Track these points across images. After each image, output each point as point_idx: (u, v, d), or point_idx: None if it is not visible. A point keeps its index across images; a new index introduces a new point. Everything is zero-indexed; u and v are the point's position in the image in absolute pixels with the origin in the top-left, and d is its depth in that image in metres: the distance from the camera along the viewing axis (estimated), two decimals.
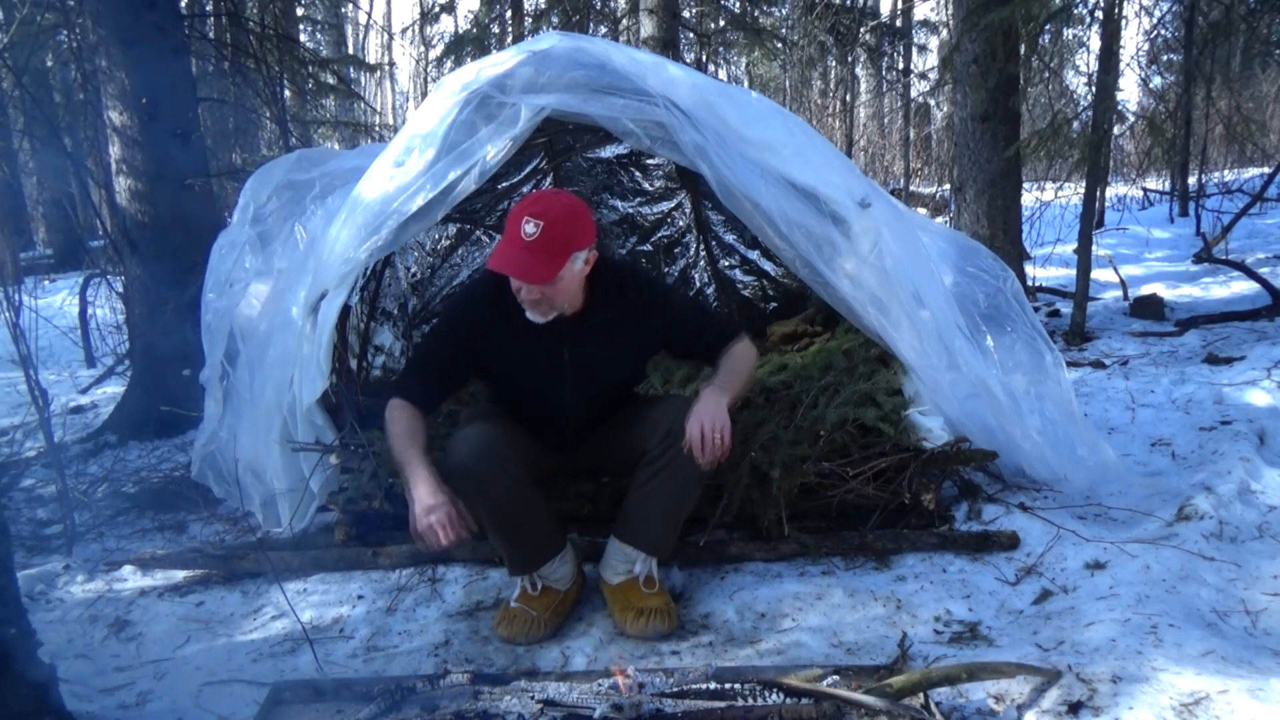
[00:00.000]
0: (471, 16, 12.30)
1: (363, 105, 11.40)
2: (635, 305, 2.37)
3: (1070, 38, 10.89)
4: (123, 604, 2.66)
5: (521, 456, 2.34)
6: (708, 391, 2.28)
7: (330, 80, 8.76)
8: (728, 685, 1.93)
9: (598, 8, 11.43)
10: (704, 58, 11.54)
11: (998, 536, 2.67)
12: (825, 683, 1.91)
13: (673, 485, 2.33)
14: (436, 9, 13.54)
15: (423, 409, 2.34)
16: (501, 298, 2.29)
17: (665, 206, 4.43)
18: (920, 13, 14.45)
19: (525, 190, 4.21)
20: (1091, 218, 5.33)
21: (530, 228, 2.10)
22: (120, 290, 4.94)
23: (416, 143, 2.62)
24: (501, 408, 2.54)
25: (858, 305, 2.74)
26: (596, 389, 2.45)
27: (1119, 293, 6.28)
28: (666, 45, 8.05)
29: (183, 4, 5.17)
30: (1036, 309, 5.76)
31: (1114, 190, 10.80)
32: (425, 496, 2.14)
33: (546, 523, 2.42)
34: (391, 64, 19.42)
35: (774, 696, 1.89)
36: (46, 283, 8.64)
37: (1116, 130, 7.02)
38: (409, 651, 2.34)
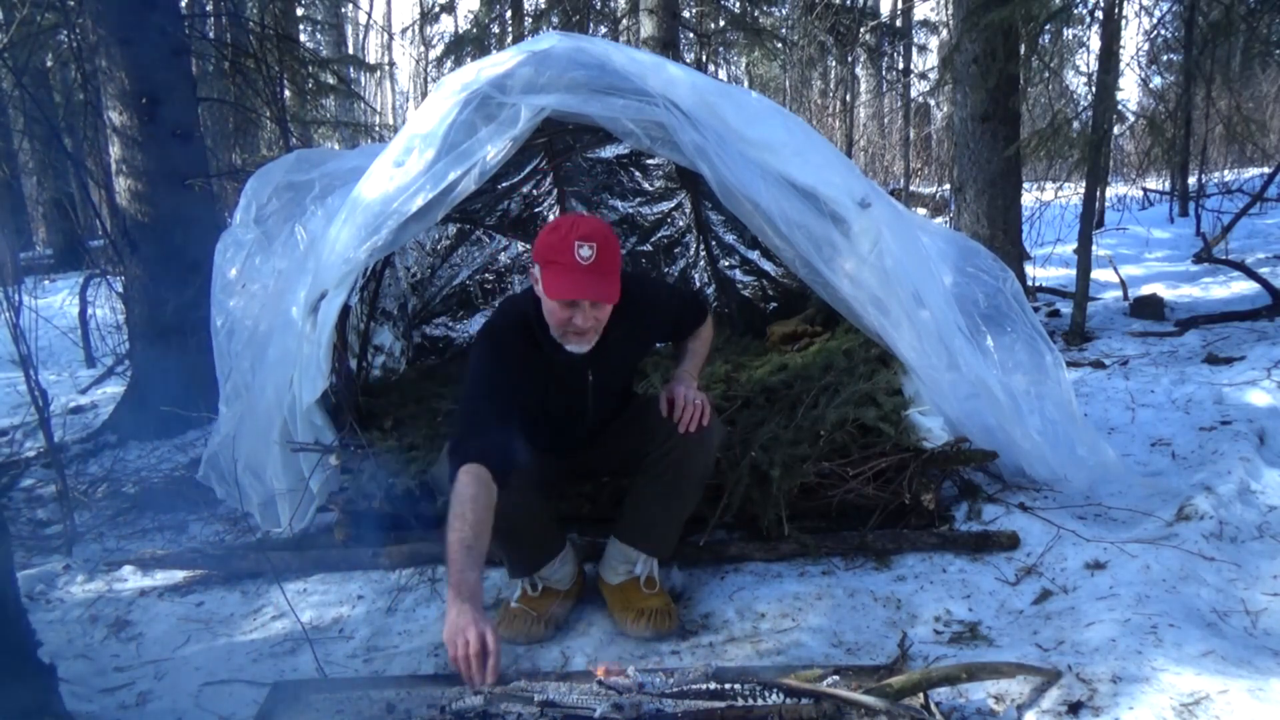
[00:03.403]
0: (471, 16, 12.32)
1: (363, 105, 11.41)
2: (639, 312, 2.34)
3: (1070, 38, 10.88)
4: (123, 604, 2.66)
5: (534, 460, 2.33)
6: (679, 367, 2.49)
7: (330, 80, 8.77)
8: (728, 685, 1.92)
9: (598, 8, 11.43)
10: (704, 58, 11.54)
11: (998, 536, 2.67)
12: (825, 683, 1.91)
13: (674, 486, 2.35)
14: (436, 9, 13.55)
15: (500, 475, 2.04)
16: (529, 333, 2.23)
17: (665, 206, 4.43)
18: (920, 13, 14.47)
19: (525, 190, 4.22)
20: (1091, 218, 5.33)
21: (587, 251, 2.03)
22: (120, 290, 4.94)
23: (416, 143, 2.62)
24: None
25: (858, 305, 2.74)
26: (614, 398, 2.50)
27: (1119, 293, 6.28)
28: (666, 45, 8.05)
29: (183, 4, 5.16)
30: (1036, 309, 5.76)
31: (1114, 190, 10.80)
32: (457, 623, 1.82)
33: (547, 526, 2.42)
34: (391, 64, 19.44)
35: (774, 696, 1.89)
36: (46, 283, 8.64)
37: (1116, 130, 7.01)
38: (409, 651, 2.34)
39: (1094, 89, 5.40)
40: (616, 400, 2.50)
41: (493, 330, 2.29)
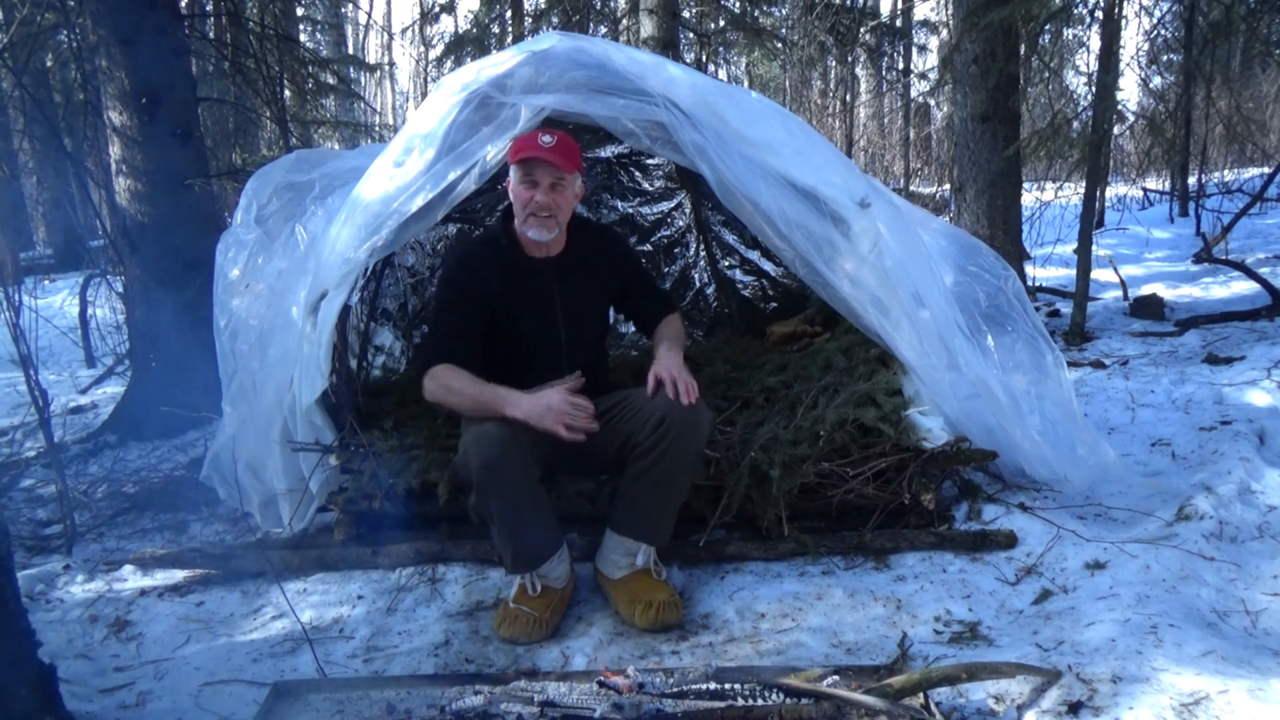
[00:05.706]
0: (471, 16, 12.29)
1: (363, 105, 11.42)
2: (606, 249, 2.70)
3: (1070, 38, 10.88)
4: (123, 604, 2.66)
5: (533, 450, 2.36)
6: (663, 350, 2.55)
7: (330, 80, 8.77)
8: (728, 685, 1.93)
9: (598, 8, 11.43)
10: (704, 58, 11.53)
11: (997, 536, 2.67)
12: (825, 683, 1.91)
13: (665, 474, 2.37)
14: (436, 9, 13.52)
15: (465, 365, 2.45)
16: (495, 245, 2.56)
17: (665, 206, 4.43)
18: (920, 13, 14.47)
19: None
20: (1091, 218, 5.33)
21: (547, 138, 2.40)
22: (120, 290, 4.93)
23: (416, 143, 2.62)
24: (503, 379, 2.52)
25: (858, 305, 2.74)
26: (580, 323, 2.64)
27: (1119, 293, 6.27)
28: (666, 45, 8.05)
29: (183, 4, 5.16)
30: (1037, 309, 5.75)
31: (1114, 190, 10.79)
32: (535, 400, 2.32)
33: (552, 521, 2.44)
34: (391, 64, 19.44)
35: (774, 696, 1.89)
36: (46, 283, 8.63)
37: (1116, 130, 7.00)
38: (409, 651, 2.34)
39: (1094, 89, 5.39)
40: (586, 329, 2.67)
41: (458, 249, 2.67)
